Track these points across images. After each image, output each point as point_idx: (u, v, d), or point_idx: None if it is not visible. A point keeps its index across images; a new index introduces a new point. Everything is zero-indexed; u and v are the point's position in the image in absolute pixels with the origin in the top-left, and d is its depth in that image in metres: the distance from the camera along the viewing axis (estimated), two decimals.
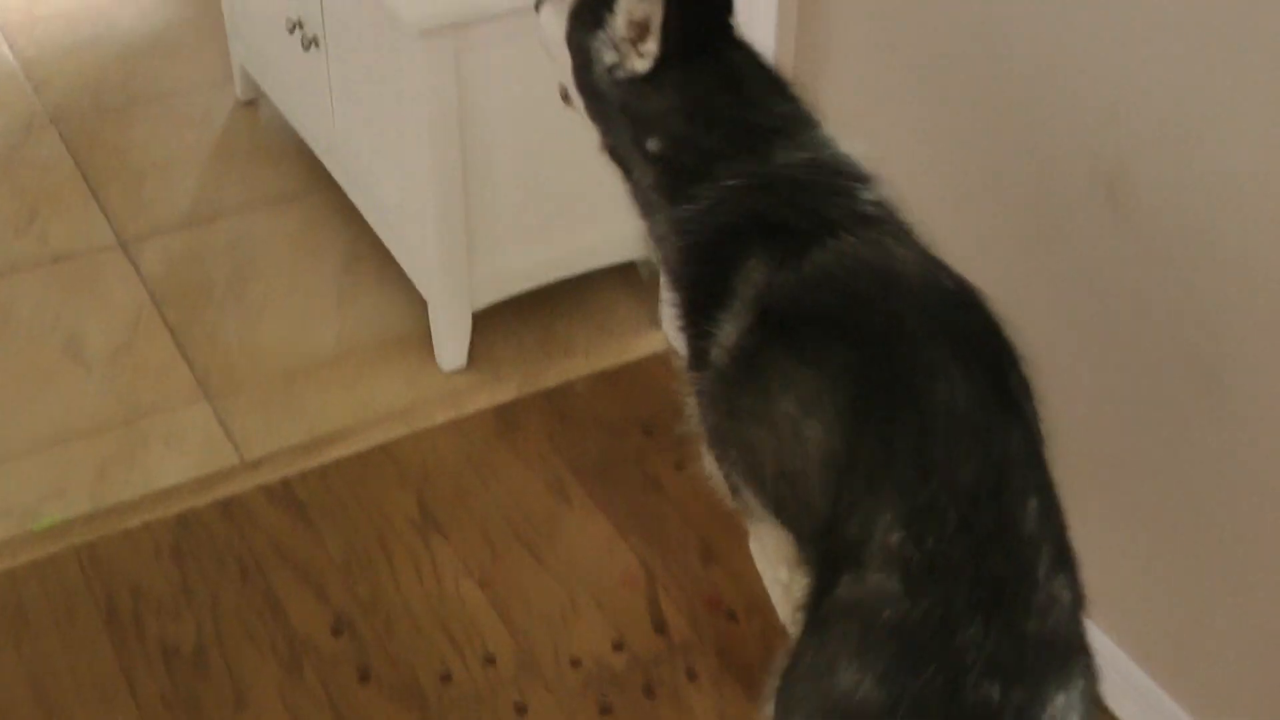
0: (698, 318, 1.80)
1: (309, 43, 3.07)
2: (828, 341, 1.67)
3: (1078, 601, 1.57)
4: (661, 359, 2.96)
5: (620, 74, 1.84)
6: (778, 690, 1.63)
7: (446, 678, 2.36)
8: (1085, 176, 2.03)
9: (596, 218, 2.93)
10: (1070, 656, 1.54)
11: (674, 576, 2.53)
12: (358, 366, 3.01)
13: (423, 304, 2.99)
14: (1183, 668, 2.15)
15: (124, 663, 2.38)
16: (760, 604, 2.11)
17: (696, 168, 1.81)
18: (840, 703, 1.52)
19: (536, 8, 2.00)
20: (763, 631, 2.38)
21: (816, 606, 1.61)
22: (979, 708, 1.47)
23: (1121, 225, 2.00)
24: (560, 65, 1.94)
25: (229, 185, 3.53)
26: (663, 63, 1.80)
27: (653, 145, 1.84)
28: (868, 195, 1.77)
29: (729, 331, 1.74)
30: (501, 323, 3.04)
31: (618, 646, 2.42)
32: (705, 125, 1.82)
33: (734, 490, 1.84)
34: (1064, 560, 1.56)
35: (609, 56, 1.84)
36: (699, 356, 1.81)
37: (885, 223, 1.75)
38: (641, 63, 1.82)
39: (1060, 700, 1.51)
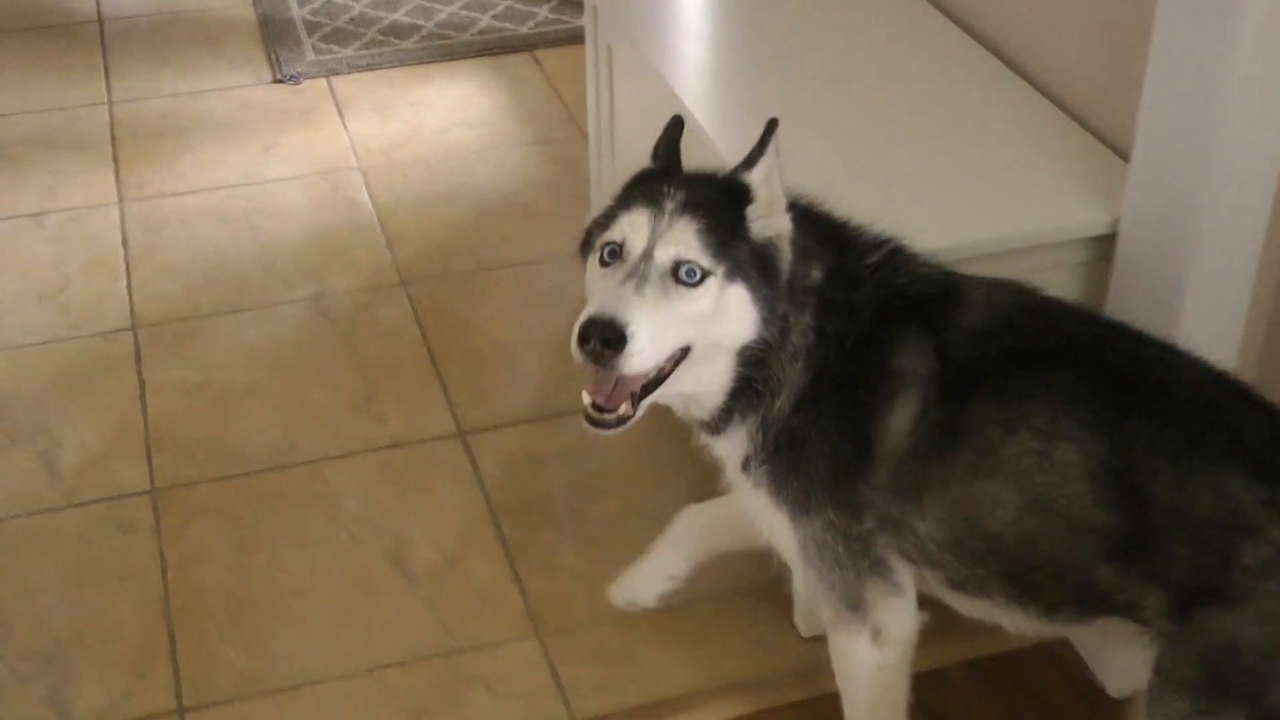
0: (854, 422, 1.86)
1: None
2: (1031, 374, 1.79)
3: None
4: (1046, 652, 2.52)
5: (785, 246, 1.85)
6: None
7: None
8: None
9: None
10: None
11: None
12: (705, 618, 2.67)
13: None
14: None
15: None
16: None
17: (842, 277, 1.88)
18: None
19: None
20: None
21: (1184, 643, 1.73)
22: None
23: None
24: (731, 322, 1.85)
25: (575, 378, 3.23)
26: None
27: (816, 273, 1.88)
28: (933, 260, 1.96)
29: (904, 415, 1.83)
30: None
31: None
32: (826, 238, 1.91)
33: (876, 579, 1.95)
34: None
35: (773, 232, 1.85)
36: (846, 466, 1.87)
37: (977, 278, 1.95)
38: (785, 217, 1.87)
39: None
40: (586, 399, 1.84)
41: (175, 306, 3.47)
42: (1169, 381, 1.80)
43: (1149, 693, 1.80)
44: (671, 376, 1.83)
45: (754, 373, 1.87)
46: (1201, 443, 1.74)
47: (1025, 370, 1.80)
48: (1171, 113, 2.12)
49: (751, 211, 1.85)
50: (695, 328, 1.80)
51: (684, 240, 1.79)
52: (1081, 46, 2.62)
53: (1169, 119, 2.13)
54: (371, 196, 3.88)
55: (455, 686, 2.53)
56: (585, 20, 3.25)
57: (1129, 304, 2.23)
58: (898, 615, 2.00)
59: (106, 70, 4.53)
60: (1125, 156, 2.39)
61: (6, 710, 2.50)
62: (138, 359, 3.31)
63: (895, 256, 1.93)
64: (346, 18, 4.81)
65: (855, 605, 1.99)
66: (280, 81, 4.45)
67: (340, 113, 4.27)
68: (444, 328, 3.39)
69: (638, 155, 3.16)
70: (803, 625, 2.63)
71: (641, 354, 1.74)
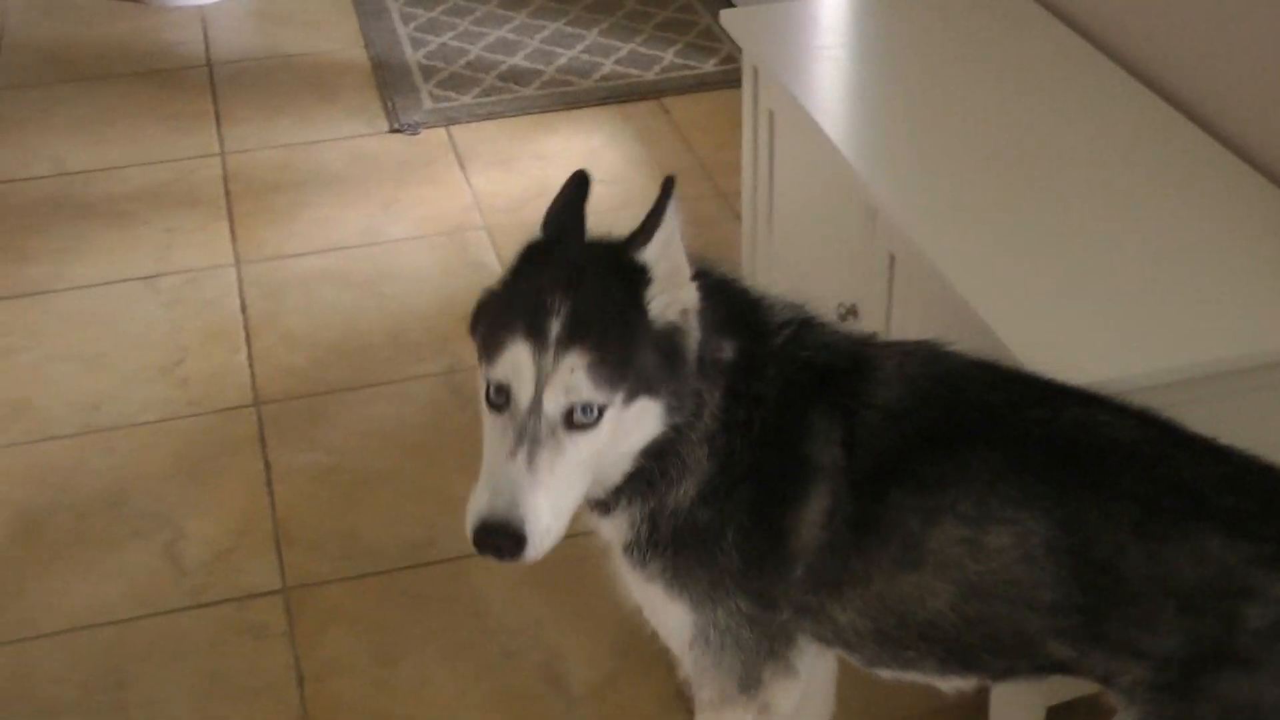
0: (767, 515, 1.74)
1: None
2: (949, 456, 1.69)
3: None
4: None
5: (692, 321, 1.69)
6: None
7: None
8: None
9: None
10: None
11: None
12: None
13: None
14: None
15: None
16: None
17: (752, 354, 1.75)
18: None
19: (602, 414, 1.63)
20: None
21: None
22: None
23: None
24: (633, 430, 1.67)
25: None
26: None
27: (727, 350, 1.73)
28: (847, 329, 1.87)
29: (817, 509, 1.72)
30: None
31: None
32: (735, 317, 1.76)
33: (776, 661, 1.84)
34: None
35: (672, 315, 1.66)
36: (759, 558, 1.76)
37: (889, 345, 1.87)
38: (690, 289, 1.68)
39: None
40: None
41: (299, 381, 3.29)
42: (1099, 445, 1.70)
43: None
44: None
45: (654, 460, 1.72)
46: (1159, 508, 1.64)
47: (942, 452, 1.70)
48: None
49: (649, 293, 1.64)
50: (601, 458, 1.65)
51: (574, 384, 1.59)
52: None
53: None
54: (500, 259, 3.68)
55: None
56: (744, 82, 3.03)
57: None
58: (787, 694, 1.91)
59: (218, 118, 4.37)
60: None
61: None
62: (262, 439, 3.12)
63: (801, 331, 1.79)
64: (463, 61, 4.63)
65: (748, 685, 1.87)
66: (397, 131, 4.27)
67: (461, 165, 4.08)
68: None
69: (800, 227, 2.96)
70: None
71: (548, 533, 1.61)
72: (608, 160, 4.07)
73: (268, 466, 3.05)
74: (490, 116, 4.31)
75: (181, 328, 3.47)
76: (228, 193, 4.00)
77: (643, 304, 1.64)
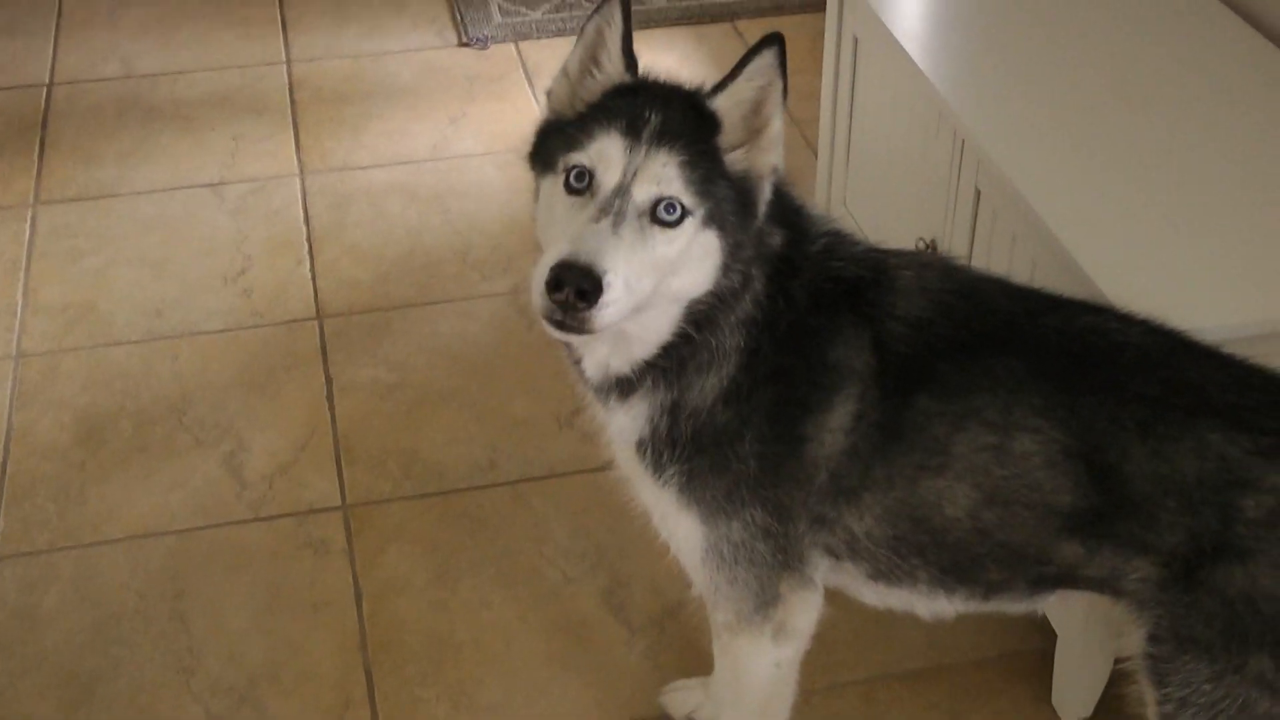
0: (788, 420, 1.73)
1: None
2: (974, 363, 1.69)
3: None
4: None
5: (767, 186, 1.69)
6: None
7: None
8: None
9: None
10: None
11: None
12: (950, 689, 2.41)
13: (1045, 627, 2.35)
14: None
15: None
16: None
17: (789, 255, 1.74)
18: None
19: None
20: None
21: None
22: None
23: None
24: (693, 266, 1.66)
25: None
26: None
27: (777, 237, 1.74)
28: (861, 240, 1.83)
29: (843, 415, 1.72)
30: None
31: None
32: (783, 209, 1.75)
33: (792, 574, 1.84)
34: None
35: (747, 171, 1.66)
36: (777, 466, 1.75)
37: (903, 255, 1.84)
38: (774, 154, 1.68)
39: None
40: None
41: (363, 295, 3.26)
42: (1111, 350, 1.71)
43: (1152, 664, 1.72)
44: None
45: (691, 333, 1.70)
46: (1166, 407, 1.65)
47: (967, 359, 1.71)
48: None
49: (722, 141, 1.66)
50: (665, 272, 1.63)
51: (667, 177, 1.61)
52: None
53: None
54: None
55: None
56: (828, 6, 2.96)
57: None
58: (806, 609, 1.90)
59: (284, 25, 4.31)
60: None
61: None
62: (324, 353, 3.10)
63: (833, 241, 1.78)
64: None
65: (765, 603, 1.87)
66: (466, 45, 4.20)
67: (530, 82, 4.01)
68: None
69: (880, 158, 2.89)
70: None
71: (616, 304, 1.56)
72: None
73: (329, 381, 3.02)
74: (560, 33, 4.24)
75: (246, 237, 3.44)
76: (293, 101, 3.95)
77: (716, 145, 1.65)
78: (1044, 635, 2.39)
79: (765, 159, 1.67)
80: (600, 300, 1.54)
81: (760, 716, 2.04)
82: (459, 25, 4.29)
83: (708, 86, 1.69)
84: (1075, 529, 1.71)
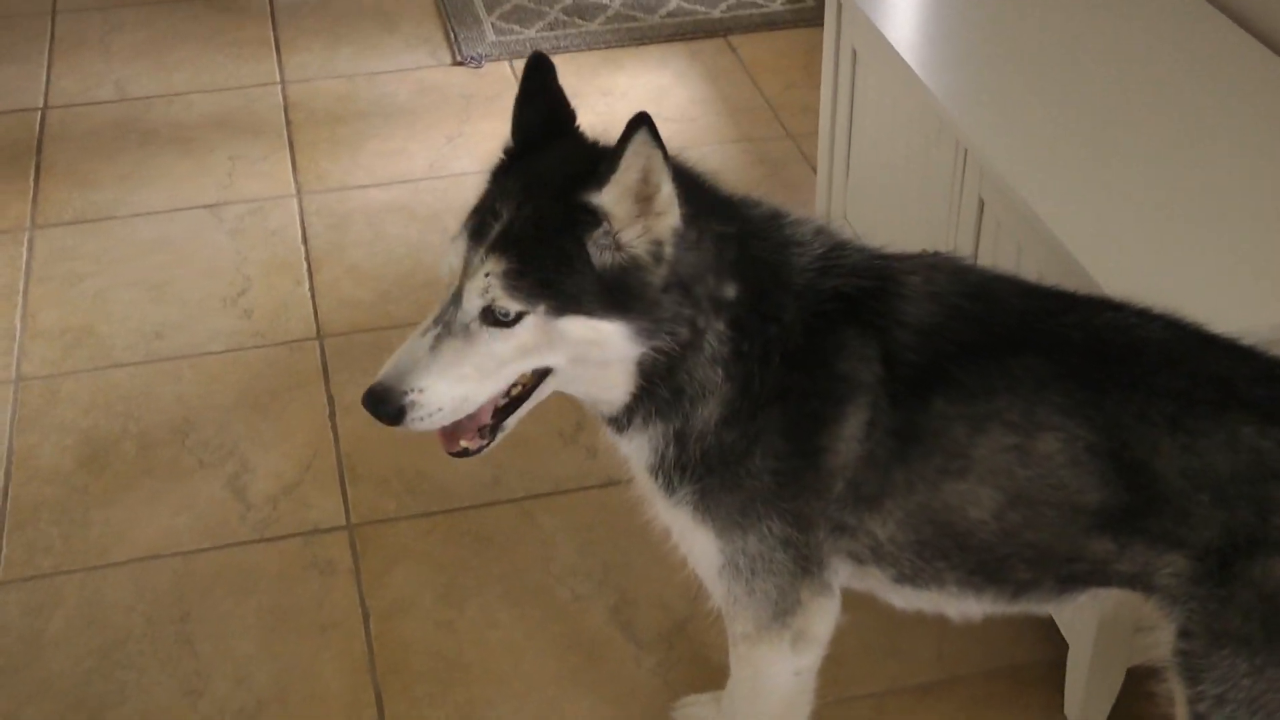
0: (800, 433, 1.73)
1: None
2: (992, 364, 1.69)
3: None
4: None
5: (667, 250, 1.66)
6: None
7: None
8: None
9: None
10: None
11: None
12: (962, 701, 2.41)
13: (1056, 636, 2.35)
14: None
15: None
16: None
17: (764, 282, 1.73)
18: None
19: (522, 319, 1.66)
20: None
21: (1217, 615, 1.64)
22: None
23: None
24: (590, 345, 1.68)
25: None
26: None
27: (729, 289, 1.72)
28: (868, 247, 1.82)
29: (855, 424, 1.71)
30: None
31: None
32: (754, 241, 1.74)
33: (811, 580, 1.84)
34: None
35: (640, 250, 1.65)
36: (795, 478, 1.75)
37: (909, 258, 1.82)
38: (670, 217, 1.65)
39: None
40: None
41: (363, 314, 3.25)
42: (1133, 346, 1.70)
43: (1184, 661, 1.71)
44: (539, 391, 1.75)
45: (661, 380, 1.73)
46: (1193, 401, 1.65)
47: (984, 360, 1.70)
48: None
49: (597, 233, 1.64)
50: (528, 359, 1.69)
51: (490, 286, 1.64)
52: None
53: None
54: None
55: None
56: (826, 19, 2.96)
57: None
58: (825, 616, 1.92)
59: (278, 46, 4.31)
60: None
61: None
62: (325, 373, 3.09)
63: (828, 261, 1.77)
64: None
65: (784, 611, 1.87)
66: (460, 64, 4.21)
67: None
68: None
69: (880, 171, 2.89)
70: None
71: (436, 414, 1.68)
72: (675, 99, 4.00)
73: (331, 400, 3.02)
74: (554, 51, 4.23)
75: (245, 258, 3.43)
76: (289, 122, 3.95)
77: (582, 240, 1.64)
78: (1055, 646, 2.39)
79: (664, 223, 1.66)
80: (409, 416, 1.66)
81: None
82: (453, 44, 4.29)
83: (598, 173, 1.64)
84: (1104, 526, 1.70)
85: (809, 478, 1.78)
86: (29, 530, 2.71)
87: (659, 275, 1.68)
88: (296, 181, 3.70)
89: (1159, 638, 1.80)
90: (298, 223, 3.55)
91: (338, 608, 2.57)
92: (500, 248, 1.64)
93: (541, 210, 1.66)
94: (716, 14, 4.40)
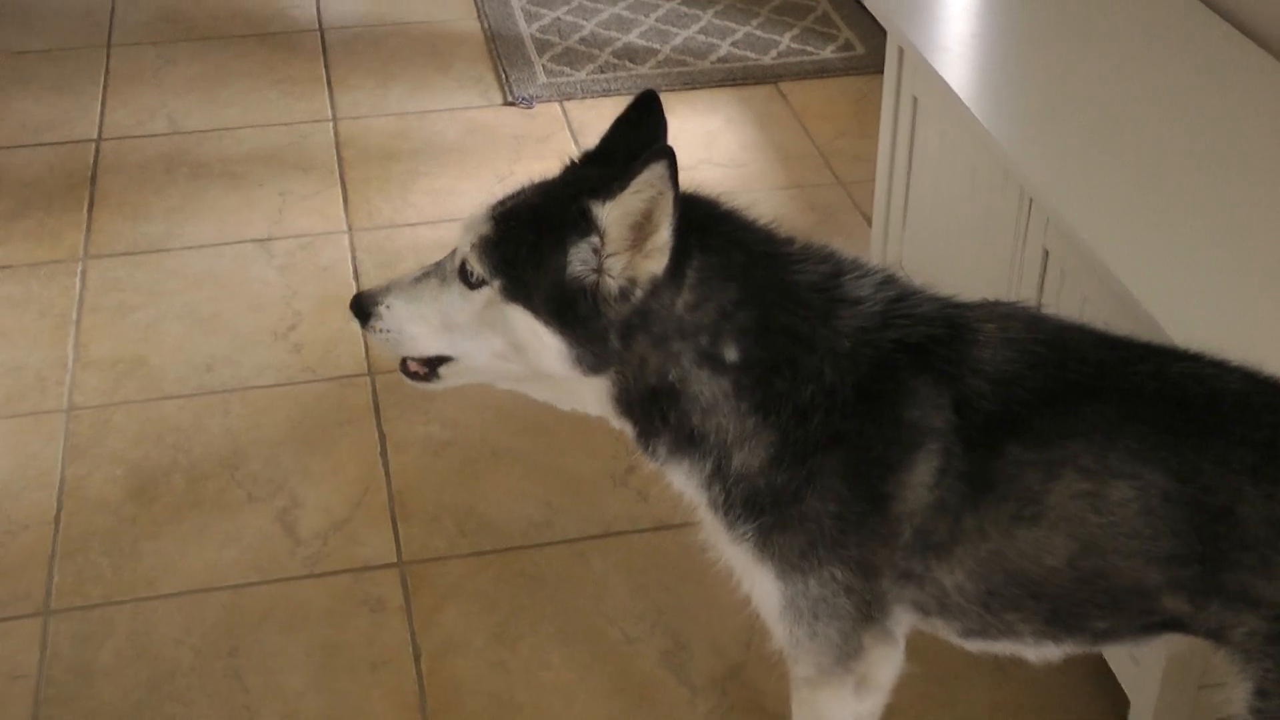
0: (865, 479, 1.71)
1: None
2: (1065, 411, 1.67)
3: None
4: None
5: (638, 292, 1.66)
6: None
7: None
8: None
9: None
10: None
11: None
12: None
13: (1115, 690, 2.31)
14: None
15: None
16: None
17: (788, 349, 1.70)
18: None
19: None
20: None
21: None
22: None
23: None
24: (527, 346, 1.72)
25: None
26: (676, 253, 1.65)
27: (730, 353, 1.70)
28: (940, 295, 1.80)
29: (926, 470, 1.69)
30: None
31: None
32: (777, 302, 1.71)
33: (875, 627, 1.81)
34: None
35: (613, 281, 1.66)
36: (859, 524, 1.72)
37: (981, 307, 1.80)
38: (655, 262, 1.65)
39: None
40: None
41: None
42: (1210, 396, 1.68)
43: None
44: (487, 369, 1.81)
45: (658, 418, 1.76)
46: (1275, 451, 1.61)
47: (1058, 408, 1.68)
48: None
49: (586, 250, 1.66)
50: (479, 335, 1.75)
51: (469, 245, 1.74)
52: None
53: None
54: None
55: None
56: (887, 67, 2.96)
57: None
58: (888, 663, 1.88)
59: (329, 84, 4.33)
60: None
61: None
62: (376, 409, 3.08)
63: (892, 308, 1.75)
64: (577, 37, 4.57)
65: (846, 655, 1.84)
66: (512, 104, 4.22)
67: (576, 141, 4.02)
68: None
69: (939, 220, 2.88)
70: None
71: (386, 334, 1.82)
72: (725, 144, 4.00)
73: (383, 437, 3.01)
74: (606, 93, 4.25)
75: (296, 292, 3.43)
76: (340, 159, 3.96)
77: (565, 243, 1.67)
78: (1113, 700, 2.35)
79: (647, 266, 1.66)
80: (370, 323, 1.82)
81: None
82: (504, 85, 4.30)
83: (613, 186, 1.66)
84: (1180, 581, 1.68)
85: (874, 524, 1.75)
86: (79, 559, 2.70)
87: (617, 312, 1.69)
88: (347, 218, 3.70)
89: (1231, 695, 1.77)
90: (349, 259, 3.55)
91: (388, 645, 2.55)
92: (494, 217, 1.74)
93: (547, 202, 1.73)
94: (767, 60, 4.41)
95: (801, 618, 1.84)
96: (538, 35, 4.57)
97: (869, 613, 1.83)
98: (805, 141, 4.01)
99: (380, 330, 1.82)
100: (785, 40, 4.53)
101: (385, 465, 2.93)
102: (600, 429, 2.95)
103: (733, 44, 4.50)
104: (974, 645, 1.89)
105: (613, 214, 1.64)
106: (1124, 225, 2.28)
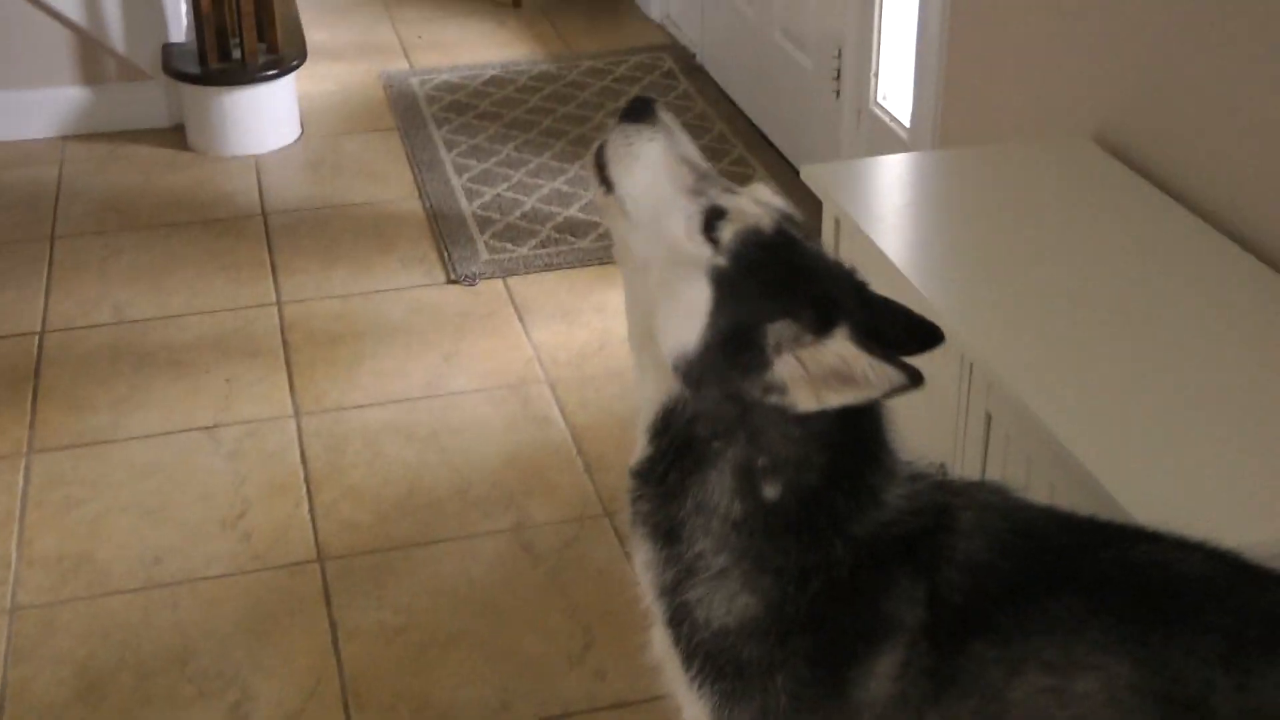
0: (828, 665, 1.67)
1: None
2: (1028, 606, 1.64)
3: None
4: None
5: (773, 398, 1.60)
6: None
7: None
8: None
9: None
10: None
11: None
12: None
13: None
14: None
15: None
16: None
17: (808, 515, 1.66)
18: None
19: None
20: None
21: None
22: None
23: None
24: (678, 302, 1.63)
25: None
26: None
27: (770, 491, 1.65)
28: (928, 473, 1.75)
29: (890, 662, 1.65)
30: None
31: None
32: (838, 481, 1.67)
33: None
34: None
35: (778, 372, 1.59)
36: (819, 709, 1.69)
37: (964, 492, 1.76)
38: (807, 404, 1.60)
39: None
40: None
41: (364, 537, 3.22)
42: (1174, 581, 1.66)
43: None
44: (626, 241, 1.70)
45: (669, 453, 1.68)
46: (1244, 639, 1.60)
47: (1023, 601, 1.65)
48: None
49: (791, 331, 1.60)
50: (655, 242, 1.65)
51: (746, 213, 1.64)
52: None
53: None
54: (564, 414, 3.63)
55: None
56: (824, 234, 3.01)
57: None
58: None
59: (274, 268, 4.36)
60: None
61: None
62: (327, 597, 3.05)
63: (910, 496, 1.71)
64: (518, 213, 4.63)
65: None
66: (455, 282, 4.26)
67: (521, 318, 4.05)
68: None
69: None
70: None
71: (624, 156, 1.68)
72: None
73: (334, 625, 2.97)
74: (548, 268, 4.30)
75: (243, 480, 3.41)
76: (285, 343, 3.97)
77: (789, 315, 1.61)
78: None
79: (801, 398, 1.61)
80: (634, 126, 1.69)
81: None
82: (446, 263, 4.35)
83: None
84: None
85: (831, 709, 1.73)
86: None
87: (750, 390, 1.62)
88: (294, 402, 3.70)
89: None
90: (296, 444, 3.54)
91: None
92: (781, 231, 1.65)
93: (821, 277, 1.66)
94: None
95: None
96: (479, 213, 4.63)
97: None
98: None
99: (626, 137, 1.68)
100: None
101: (337, 654, 2.89)
102: (555, 607, 2.96)
103: None
104: None
105: (839, 351, 1.59)
106: (1064, 388, 2.31)
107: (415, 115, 5.37)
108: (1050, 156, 3.07)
